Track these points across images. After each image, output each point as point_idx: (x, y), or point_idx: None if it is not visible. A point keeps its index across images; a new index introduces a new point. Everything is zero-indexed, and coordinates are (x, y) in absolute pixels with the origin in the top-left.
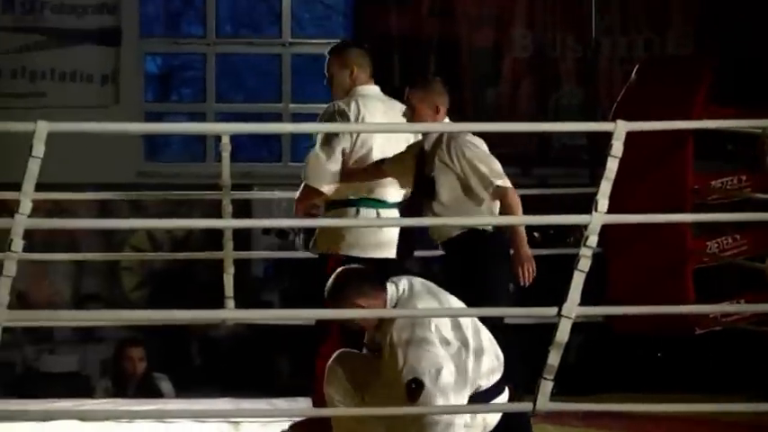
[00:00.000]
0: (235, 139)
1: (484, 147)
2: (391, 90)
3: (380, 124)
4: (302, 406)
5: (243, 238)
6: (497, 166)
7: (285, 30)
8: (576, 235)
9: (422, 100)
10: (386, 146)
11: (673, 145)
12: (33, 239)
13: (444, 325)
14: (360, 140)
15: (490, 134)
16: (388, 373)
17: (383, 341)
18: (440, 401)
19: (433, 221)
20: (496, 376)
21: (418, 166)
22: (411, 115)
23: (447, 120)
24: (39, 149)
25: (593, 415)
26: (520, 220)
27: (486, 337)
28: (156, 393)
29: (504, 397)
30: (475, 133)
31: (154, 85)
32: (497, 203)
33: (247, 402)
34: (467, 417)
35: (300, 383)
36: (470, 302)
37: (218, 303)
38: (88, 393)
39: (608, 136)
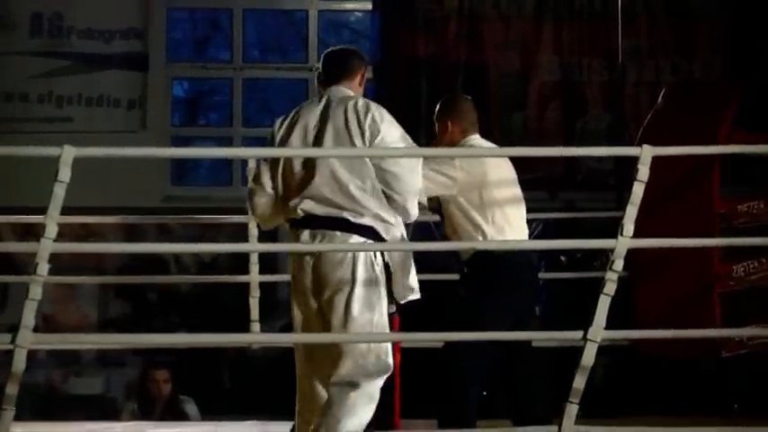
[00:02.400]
0: None
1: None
2: (417, 115)
3: (400, 149)
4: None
5: (269, 262)
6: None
7: (312, 55)
8: (602, 258)
9: (436, 121)
10: None
11: (699, 170)
12: (60, 263)
13: None
14: None
15: (517, 158)
16: None
17: None
18: None
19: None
20: None
21: None
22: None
23: (474, 136)
24: (65, 174)
25: None
26: (548, 244)
27: None
28: (182, 416)
29: None
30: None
31: (181, 109)
32: (495, 223)
33: (274, 425)
34: None
35: None
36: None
37: (244, 327)
38: (114, 416)
39: (634, 160)
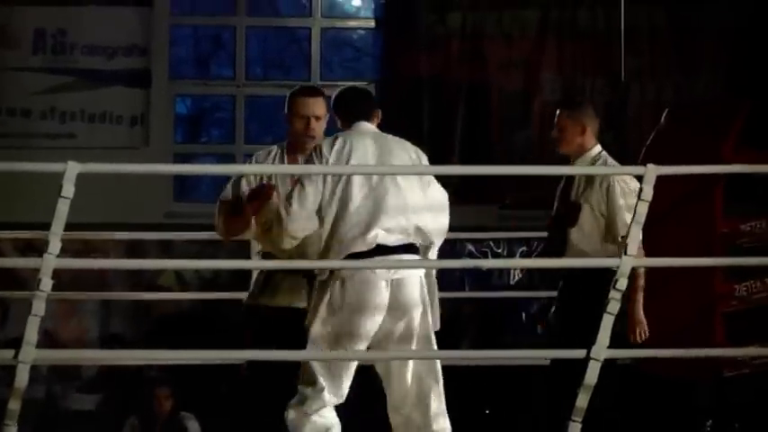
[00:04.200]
0: None
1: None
2: (419, 133)
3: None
4: None
5: None
6: None
7: (314, 72)
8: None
9: (570, 117)
10: None
11: (702, 189)
12: (62, 278)
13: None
14: None
15: (520, 177)
16: None
17: None
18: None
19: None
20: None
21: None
22: (558, 134)
23: (596, 143)
24: (68, 190)
25: None
26: (548, 262)
27: None
28: None
29: None
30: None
31: (183, 126)
32: None
33: None
34: None
35: None
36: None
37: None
38: None
39: (637, 180)
